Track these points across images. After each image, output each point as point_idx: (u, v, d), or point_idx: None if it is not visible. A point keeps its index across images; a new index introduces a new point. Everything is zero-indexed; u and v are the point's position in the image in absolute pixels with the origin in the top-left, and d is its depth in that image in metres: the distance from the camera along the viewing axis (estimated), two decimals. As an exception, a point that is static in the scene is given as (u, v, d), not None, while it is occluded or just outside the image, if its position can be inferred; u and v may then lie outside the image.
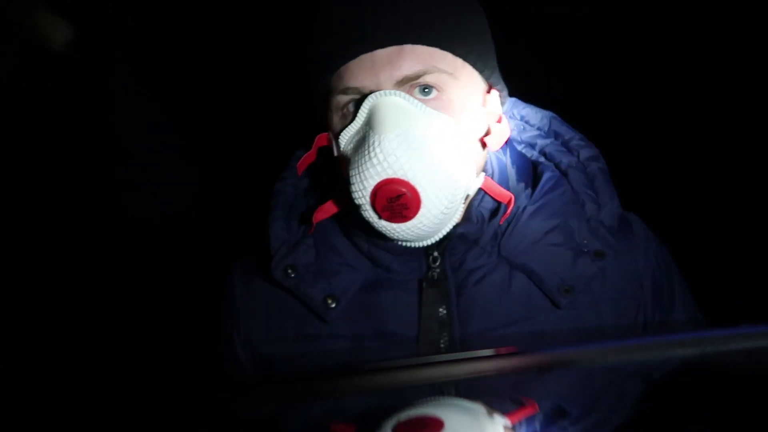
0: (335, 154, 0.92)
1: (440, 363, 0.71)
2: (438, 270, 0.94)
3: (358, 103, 0.88)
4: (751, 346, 0.71)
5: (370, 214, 0.86)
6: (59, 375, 1.19)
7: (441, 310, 0.92)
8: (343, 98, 0.89)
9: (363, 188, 0.84)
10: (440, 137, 0.86)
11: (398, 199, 0.83)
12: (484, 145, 0.92)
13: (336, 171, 0.94)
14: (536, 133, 1.03)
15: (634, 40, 1.62)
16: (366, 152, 0.84)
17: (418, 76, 0.86)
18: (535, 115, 1.04)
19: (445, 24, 0.88)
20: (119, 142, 1.24)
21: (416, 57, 0.86)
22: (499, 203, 0.95)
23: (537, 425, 0.61)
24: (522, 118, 1.05)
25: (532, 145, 1.03)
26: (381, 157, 0.83)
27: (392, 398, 0.68)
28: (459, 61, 0.89)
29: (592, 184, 0.98)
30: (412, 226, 0.85)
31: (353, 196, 0.86)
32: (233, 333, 1.00)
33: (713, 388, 0.67)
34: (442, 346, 0.91)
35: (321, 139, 0.96)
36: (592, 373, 0.72)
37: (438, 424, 0.60)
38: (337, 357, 0.93)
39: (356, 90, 0.88)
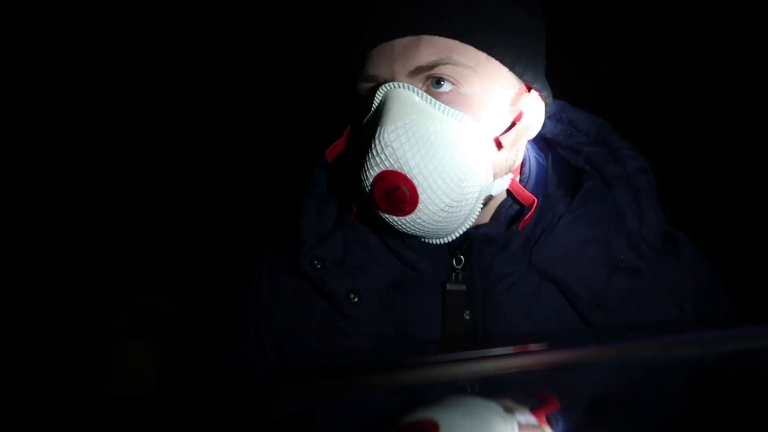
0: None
1: (446, 363, 0.70)
2: (462, 272, 0.91)
3: (373, 92, 0.86)
4: (751, 346, 0.71)
5: (374, 206, 0.85)
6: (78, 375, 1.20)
7: (465, 315, 0.90)
8: (365, 86, 0.89)
9: (366, 178, 0.84)
10: (447, 133, 0.83)
11: (395, 192, 0.82)
12: (499, 144, 0.87)
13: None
14: (584, 139, 0.98)
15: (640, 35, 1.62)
16: (370, 143, 0.83)
17: (431, 67, 0.84)
18: (584, 120, 0.99)
19: (468, 15, 0.84)
20: None
21: (433, 47, 0.84)
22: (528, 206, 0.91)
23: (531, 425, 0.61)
24: (570, 123, 0.99)
25: (577, 152, 0.98)
26: (379, 148, 0.82)
27: (403, 398, 0.68)
28: (483, 55, 0.85)
29: (636, 197, 0.92)
30: (411, 221, 0.84)
31: (361, 185, 0.85)
32: (261, 327, 0.99)
33: (713, 389, 0.67)
34: None
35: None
36: (589, 373, 0.72)
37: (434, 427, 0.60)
38: (360, 355, 0.92)
39: (374, 78, 0.87)
